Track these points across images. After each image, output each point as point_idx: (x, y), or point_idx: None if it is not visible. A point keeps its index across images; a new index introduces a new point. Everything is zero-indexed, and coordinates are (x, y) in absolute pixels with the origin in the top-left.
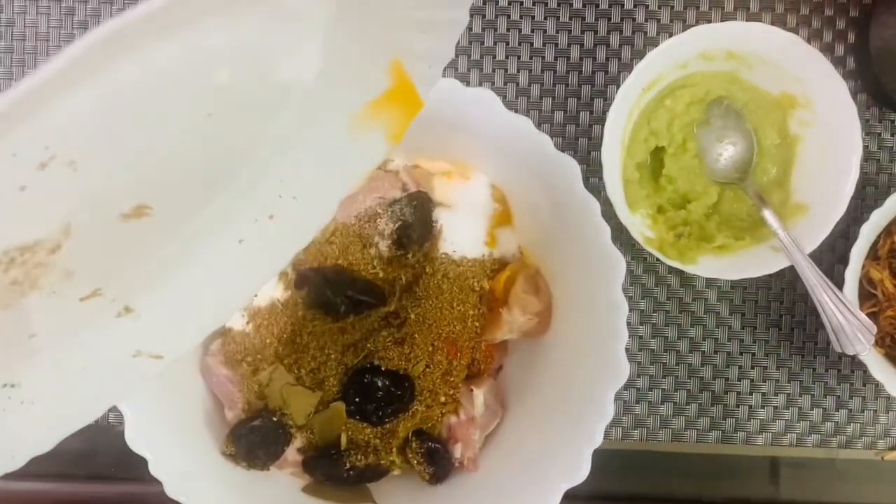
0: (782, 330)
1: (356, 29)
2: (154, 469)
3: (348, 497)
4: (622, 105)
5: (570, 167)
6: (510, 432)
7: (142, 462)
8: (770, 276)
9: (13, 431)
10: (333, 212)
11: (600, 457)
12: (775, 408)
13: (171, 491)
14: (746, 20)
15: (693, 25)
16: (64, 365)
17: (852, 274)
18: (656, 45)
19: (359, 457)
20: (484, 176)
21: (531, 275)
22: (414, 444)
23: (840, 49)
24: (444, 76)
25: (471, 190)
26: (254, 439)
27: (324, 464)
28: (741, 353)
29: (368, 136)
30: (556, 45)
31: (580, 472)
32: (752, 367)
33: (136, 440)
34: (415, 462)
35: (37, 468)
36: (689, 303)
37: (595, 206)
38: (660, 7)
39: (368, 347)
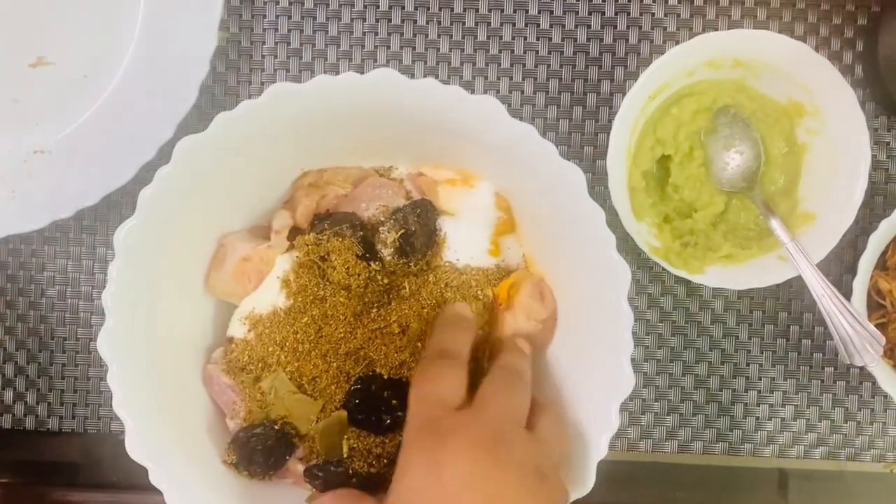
0: (790, 340)
1: None
2: (154, 478)
3: None
4: (628, 113)
5: (575, 175)
6: None
7: (142, 471)
8: (777, 285)
9: None
10: None
11: (606, 468)
12: (783, 419)
13: (171, 500)
14: (754, 28)
15: (700, 33)
16: None
17: (860, 284)
18: (663, 54)
19: (361, 465)
20: (488, 184)
21: (536, 282)
22: None
23: (848, 57)
24: (448, 83)
25: (475, 198)
26: (255, 448)
27: (326, 473)
28: (748, 364)
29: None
30: (562, 53)
31: (586, 483)
32: (760, 378)
33: (137, 449)
34: None
35: (37, 476)
36: (695, 312)
37: (600, 214)
38: (666, 15)
39: (371, 356)
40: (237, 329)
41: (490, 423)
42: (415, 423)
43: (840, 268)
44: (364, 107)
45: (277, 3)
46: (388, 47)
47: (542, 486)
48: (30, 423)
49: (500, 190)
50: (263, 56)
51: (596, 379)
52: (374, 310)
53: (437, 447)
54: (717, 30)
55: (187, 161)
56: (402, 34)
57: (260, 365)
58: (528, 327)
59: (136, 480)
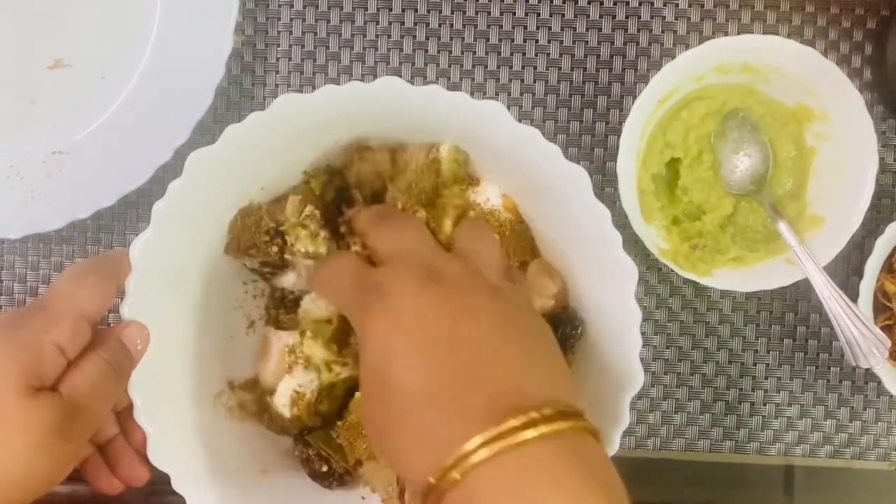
0: (796, 340)
1: None
2: (177, 484)
3: None
4: (638, 117)
5: (581, 176)
6: None
7: (165, 475)
8: (785, 286)
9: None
10: None
11: (614, 465)
12: (789, 418)
13: None
14: (763, 32)
15: (710, 37)
16: None
17: (867, 287)
18: (673, 57)
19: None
20: (495, 186)
21: (541, 261)
22: None
23: (857, 61)
24: (460, 86)
25: (481, 198)
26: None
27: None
28: (755, 364)
29: None
30: (573, 55)
31: None
32: (766, 378)
33: (158, 455)
34: None
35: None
36: (703, 313)
37: (606, 214)
38: (676, 19)
39: None
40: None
41: (413, 258)
42: (350, 289)
43: (847, 269)
44: (370, 114)
45: (292, 5)
46: (401, 50)
47: (500, 297)
48: None
49: (506, 191)
50: (278, 58)
51: (606, 375)
52: None
53: (381, 298)
54: (726, 33)
55: (198, 174)
56: (414, 37)
57: None
58: (540, 304)
59: (158, 486)
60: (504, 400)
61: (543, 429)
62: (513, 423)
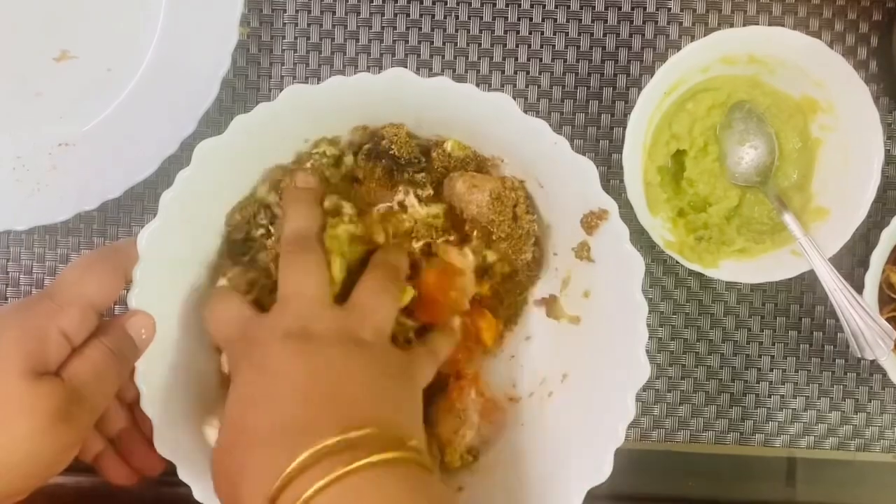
0: (802, 332)
1: None
2: (182, 474)
3: None
4: (644, 108)
5: (589, 169)
6: (530, 432)
7: (171, 465)
8: (790, 278)
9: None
10: None
11: (618, 456)
12: (793, 410)
13: (198, 496)
14: (769, 24)
15: (715, 29)
16: None
17: (872, 279)
18: (678, 49)
19: None
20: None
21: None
22: None
23: (863, 53)
24: (466, 78)
25: None
26: None
27: None
28: (760, 356)
29: None
30: (579, 47)
31: (603, 471)
32: (771, 370)
33: (164, 446)
34: None
35: (67, 470)
36: (708, 305)
37: (613, 207)
38: (682, 10)
39: None
40: None
41: (291, 311)
42: (231, 337)
43: (852, 261)
44: (379, 105)
45: None
46: (407, 42)
47: (363, 352)
48: None
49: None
50: (283, 50)
51: (612, 368)
52: None
53: (251, 349)
54: (732, 25)
55: (206, 163)
56: (420, 29)
57: None
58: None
59: (169, 477)
60: (339, 424)
61: (379, 456)
62: (336, 439)
